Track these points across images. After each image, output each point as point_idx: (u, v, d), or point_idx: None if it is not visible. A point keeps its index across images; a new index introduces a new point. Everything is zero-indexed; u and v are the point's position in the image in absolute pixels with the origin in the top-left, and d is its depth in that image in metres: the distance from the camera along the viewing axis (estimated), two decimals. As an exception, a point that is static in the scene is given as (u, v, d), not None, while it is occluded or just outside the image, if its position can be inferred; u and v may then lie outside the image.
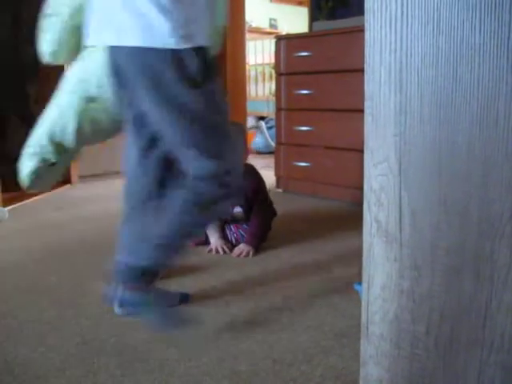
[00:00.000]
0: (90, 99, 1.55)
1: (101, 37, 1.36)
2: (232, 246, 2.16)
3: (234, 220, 2.24)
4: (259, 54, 6.26)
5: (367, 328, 0.78)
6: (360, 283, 1.45)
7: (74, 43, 1.58)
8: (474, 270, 0.65)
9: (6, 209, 2.81)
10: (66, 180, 3.69)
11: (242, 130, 2.26)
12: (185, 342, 1.40)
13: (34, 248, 2.25)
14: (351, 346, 1.36)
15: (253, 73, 6.28)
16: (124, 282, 1.44)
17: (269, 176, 3.56)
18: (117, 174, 4.04)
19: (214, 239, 2.17)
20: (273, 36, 3.73)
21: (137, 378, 1.23)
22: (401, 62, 0.66)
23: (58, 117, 1.57)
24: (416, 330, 0.72)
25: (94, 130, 1.64)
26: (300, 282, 1.81)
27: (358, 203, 2.50)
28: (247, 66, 5.19)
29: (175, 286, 1.78)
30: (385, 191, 0.70)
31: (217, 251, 2.12)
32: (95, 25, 1.37)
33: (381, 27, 0.67)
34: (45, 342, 1.41)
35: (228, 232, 2.23)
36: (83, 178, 3.83)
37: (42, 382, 1.22)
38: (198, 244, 2.21)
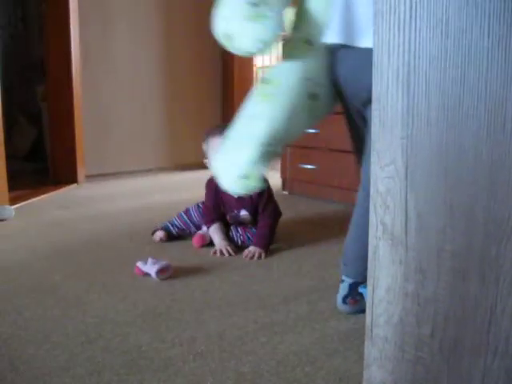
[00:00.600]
0: (313, 97, 1.53)
1: (355, 38, 1.38)
2: (237, 248, 2.16)
3: (241, 223, 2.24)
4: (267, 56, 6.26)
5: (371, 330, 0.78)
6: (365, 286, 1.45)
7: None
8: (480, 274, 0.65)
9: (13, 207, 2.82)
10: (73, 179, 3.71)
11: None
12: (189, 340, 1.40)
13: (40, 247, 2.25)
14: (355, 348, 1.35)
15: (260, 75, 6.29)
16: (345, 297, 1.56)
17: (274, 178, 3.57)
18: (123, 174, 4.06)
19: (218, 241, 2.16)
20: (280, 38, 3.74)
21: (142, 377, 1.23)
22: (409, 65, 0.66)
23: (281, 118, 1.48)
24: (420, 333, 0.72)
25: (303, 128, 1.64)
26: (304, 283, 1.81)
27: (364, 206, 2.49)
28: (254, 68, 5.19)
29: (180, 286, 1.78)
30: (391, 194, 0.71)
31: (221, 253, 2.11)
32: (342, 24, 1.39)
33: (389, 29, 0.67)
34: (50, 340, 1.42)
35: (234, 234, 2.22)
36: (89, 177, 3.85)
37: (47, 379, 1.23)
38: (203, 245, 2.21)
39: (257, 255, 2.09)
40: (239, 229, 2.23)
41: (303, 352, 1.35)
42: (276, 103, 1.47)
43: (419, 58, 0.65)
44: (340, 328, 1.48)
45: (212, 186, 2.23)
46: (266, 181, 2.25)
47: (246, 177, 1.47)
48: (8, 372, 1.26)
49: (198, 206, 2.34)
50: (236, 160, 1.49)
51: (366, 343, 0.79)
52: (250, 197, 2.18)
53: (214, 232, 2.19)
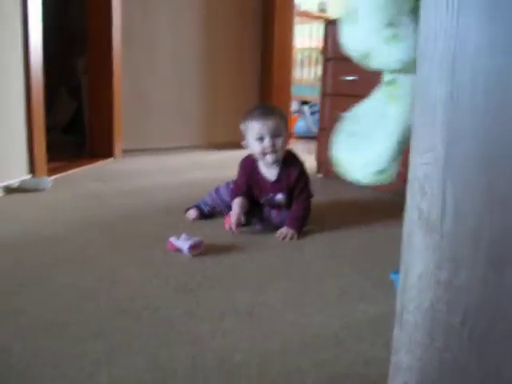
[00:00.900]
0: None
1: None
2: (262, 228, 2.18)
3: (275, 206, 2.24)
4: (307, 38, 6.21)
5: (401, 316, 0.79)
6: (396, 272, 1.45)
7: None
8: (516, 264, 0.64)
9: (50, 178, 2.88)
10: (109, 153, 3.76)
11: (284, 114, 2.26)
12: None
13: (75, 219, 2.30)
14: (383, 334, 1.36)
15: (299, 57, 6.25)
16: None
17: (309, 161, 3.56)
18: (158, 150, 4.10)
19: (234, 213, 2.14)
20: (321, 20, 3.70)
21: (171, 351, 1.26)
22: (454, 50, 0.65)
23: (409, 118, 1.50)
24: (451, 321, 0.71)
25: None
26: (335, 267, 1.82)
27: (398, 193, 2.48)
28: (294, 50, 5.15)
29: (211, 263, 1.80)
30: (429, 180, 0.70)
31: (230, 228, 2.12)
32: None
33: (435, 13, 0.66)
34: (83, 309, 1.46)
35: (269, 215, 2.23)
36: (126, 152, 3.89)
37: (79, 344, 1.26)
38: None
39: (289, 236, 2.09)
40: (272, 211, 2.23)
41: (331, 334, 1.35)
42: (404, 104, 1.48)
43: (465, 43, 0.64)
44: (369, 312, 1.48)
45: (247, 167, 2.23)
46: (303, 164, 2.25)
47: (382, 172, 1.52)
48: (42, 337, 1.30)
49: (227, 184, 2.34)
50: (372, 156, 1.53)
51: (395, 328, 0.80)
52: (288, 181, 2.19)
53: (234, 205, 2.18)
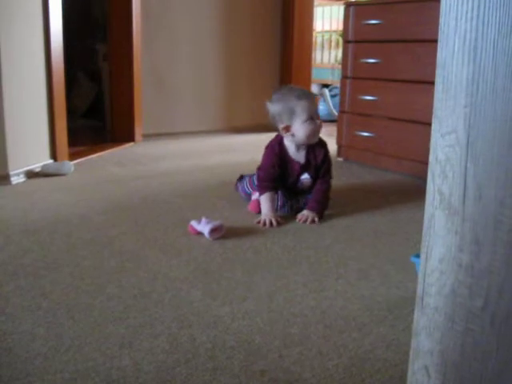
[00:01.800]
0: None
1: None
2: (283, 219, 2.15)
3: (299, 190, 2.23)
4: (327, 21, 6.15)
5: (422, 299, 0.78)
6: (417, 255, 1.44)
7: None
8: (538, 248, 0.63)
9: (72, 162, 2.90)
10: (130, 138, 3.78)
11: (314, 98, 2.25)
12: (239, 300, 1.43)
13: (97, 202, 2.32)
14: (404, 317, 1.35)
15: (319, 39, 6.19)
16: None
17: (330, 144, 3.54)
18: (179, 134, 4.11)
19: (266, 211, 2.10)
20: (341, 2, 3.66)
21: (191, 332, 1.27)
22: (476, 31, 0.64)
23: None
24: (472, 305, 0.71)
25: None
26: (356, 251, 1.81)
27: (420, 176, 2.47)
28: (314, 33, 5.11)
29: (231, 246, 1.81)
30: (450, 163, 0.69)
31: (264, 224, 2.05)
32: None
33: (458, -6, 0.65)
34: (105, 291, 1.47)
35: (290, 200, 2.22)
36: (147, 136, 3.91)
37: (102, 328, 1.28)
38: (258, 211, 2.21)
39: (310, 219, 2.08)
40: (304, 200, 2.22)
41: (351, 318, 1.36)
42: None
43: (488, 24, 0.63)
44: (389, 296, 1.48)
45: (275, 149, 2.19)
46: (326, 144, 2.24)
47: None
48: (65, 320, 1.32)
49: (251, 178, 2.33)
50: None
51: (416, 312, 0.79)
52: (316, 162, 2.18)
53: (265, 200, 2.12)
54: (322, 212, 2.15)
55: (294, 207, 2.20)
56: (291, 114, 2.11)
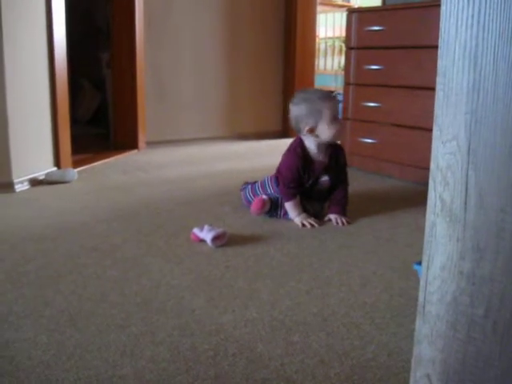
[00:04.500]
0: None
1: None
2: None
3: (317, 193, 2.25)
4: (330, 27, 6.16)
5: (424, 307, 0.78)
6: (419, 262, 1.44)
7: None
8: (540, 256, 0.63)
9: (76, 170, 2.91)
10: (133, 145, 3.78)
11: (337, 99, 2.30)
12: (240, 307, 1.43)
13: (101, 209, 2.32)
14: (406, 325, 1.35)
15: (322, 46, 6.20)
16: None
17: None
18: (182, 141, 4.11)
19: (297, 215, 2.17)
20: (345, 9, 3.67)
21: (193, 340, 1.26)
22: (477, 38, 0.64)
23: None
24: (474, 313, 0.71)
25: None
26: (358, 258, 1.81)
27: (422, 183, 2.46)
28: (317, 39, 5.12)
29: (234, 253, 1.81)
30: (452, 170, 0.69)
31: (304, 225, 2.13)
32: None
33: (458, 1, 0.65)
34: (107, 299, 1.47)
35: (280, 210, 2.22)
36: (150, 143, 3.92)
37: (104, 336, 1.28)
38: (262, 212, 2.21)
39: (340, 222, 2.16)
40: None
41: (353, 325, 1.35)
42: None
43: (488, 30, 0.63)
44: (392, 303, 1.47)
45: (298, 151, 2.18)
46: (343, 149, 2.28)
47: None
48: (67, 328, 1.32)
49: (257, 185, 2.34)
50: None
51: (418, 320, 0.79)
52: (338, 163, 2.23)
53: (295, 206, 2.17)
54: (345, 213, 2.24)
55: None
56: (317, 114, 2.12)
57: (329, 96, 2.17)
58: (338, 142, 2.30)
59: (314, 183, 2.21)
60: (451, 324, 0.73)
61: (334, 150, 2.23)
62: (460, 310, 0.72)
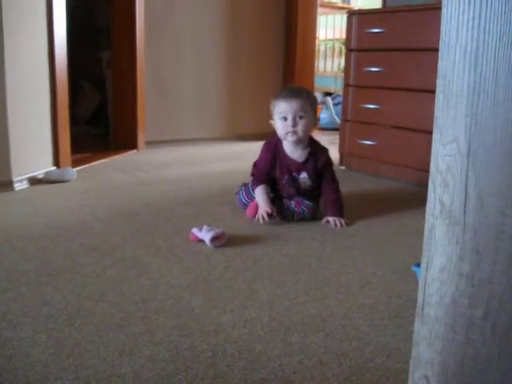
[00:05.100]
0: None
1: None
2: (282, 216, 2.19)
3: (298, 192, 2.24)
4: (330, 29, 6.17)
5: (422, 309, 0.78)
6: (418, 265, 1.44)
7: None
8: (539, 258, 0.63)
9: (75, 169, 2.91)
10: (133, 145, 3.78)
11: (313, 97, 2.28)
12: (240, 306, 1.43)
13: (100, 209, 2.32)
14: (405, 327, 1.35)
15: (322, 48, 6.21)
16: None
17: (333, 153, 3.53)
18: (182, 141, 4.11)
19: (261, 203, 2.17)
20: (345, 11, 3.67)
21: (192, 340, 1.27)
22: (477, 40, 0.64)
23: None
24: (473, 315, 0.71)
25: None
26: (357, 260, 1.81)
27: (422, 185, 2.47)
28: (317, 41, 5.12)
29: (233, 254, 1.81)
30: (451, 172, 0.69)
31: (261, 218, 2.12)
32: None
33: (459, 3, 0.65)
34: (106, 298, 1.47)
35: (288, 206, 2.22)
36: (150, 143, 3.92)
37: (103, 335, 1.28)
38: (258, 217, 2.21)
39: (339, 224, 2.15)
40: (292, 202, 2.23)
41: (352, 326, 1.35)
42: None
43: (489, 33, 0.63)
44: (390, 305, 1.47)
45: (271, 147, 2.27)
46: (327, 151, 2.27)
47: None
48: (66, 326, 1.32)
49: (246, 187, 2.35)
50: None
51: (416, 322, 0.79)
52: (316, 165, 2.22)
53: (260, 193, 2.20)
54: (343, 208, 2.23)
55: (295, 217, 2.21)
56: (274, 112, 2.22)
57: (288, 94, 2.18)
58: (323, 145, 2.30)
59: (293, 180, 2.24)
60: (450, 326, 0.73)
61: (313, 151, 2.24)
62: (459, 311, 0.72)
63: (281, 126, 2.18)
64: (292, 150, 2.24)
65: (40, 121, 2.75)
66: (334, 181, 2.27)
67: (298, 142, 2.20)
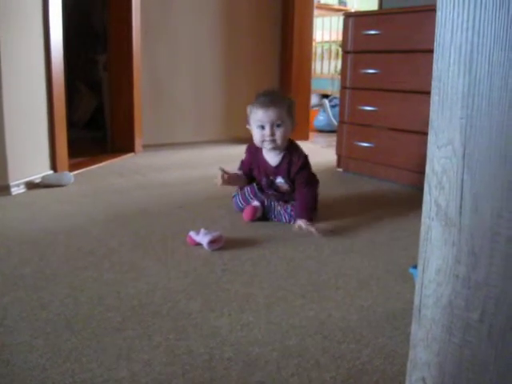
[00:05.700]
0: None
1: None
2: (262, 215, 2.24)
3: (278, 195, 2.26)
4: (326, 31, 6.17)
5: (419, 311, 0.78)
6: (415, 267, 1.44)
7: None
8: (535, 260, 0.63)
9: (72, 173, 2.90)
10: (130, 149, 3.78)
11: (291, 102, 2.27)
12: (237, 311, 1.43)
13: (97, 212, 2.32)
14: (402, 329, 1.35)
15: (319, 50, 6.21)
16: None
17: (330, 155, 3.54)
18: (179, 145, 4.11)
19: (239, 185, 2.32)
20: (341, 13, 3.68)
21: (189, 343, 1.26)
22: (472, 43, 0.64)
23: None
24: (469, 316, 0.71)
25: None
26: (354, 262, 1.81)
27: (418, 187, 2.48)
28: (314, 43, 5.13)
29: (230, 257, 1.81)
30: (447, 174, 0.69)
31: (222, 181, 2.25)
32: None
33: (453, 6, 0.65)
34: (104, 302, 1.47)
35: (272, 213, 2.24)
36: (147, 147, 3.92)
37: (100, 339, 1.28)
38: (254, 219, 2.22)
39: (304, 227, 2.07)
40: (278, 207, 2.23)
41: (350, 329, 1.35)
42: None
43: (483, 35, 0.63)
44: (388, 307, 1.47)
45: (252, 150, 2.33)
46: (306, 156, 2.26)
47: None
48: (64, 330, 1.32)
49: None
50: None
51: (413, 324, 0.79)
52: (289, 169, 2.22)
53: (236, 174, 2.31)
54: (312, 216, 2.16)
55: (269, 200, 2.26)
56: (250, 117, 2.23)
57: (265, 102, 2.16)
58: (303, 151, 2.29)
59: (270, 183, 2.27)
60: (447, 328, 0.73)
61: (291, 156, 2.23)
62: (455, 313, 0.72)
63: (258, 134, 2.19)
64: (268, 155, 2.27)
65: (37, 125, 2.75)
66: (306, 188, 2.20)
67: (273, 149, 2.22)
